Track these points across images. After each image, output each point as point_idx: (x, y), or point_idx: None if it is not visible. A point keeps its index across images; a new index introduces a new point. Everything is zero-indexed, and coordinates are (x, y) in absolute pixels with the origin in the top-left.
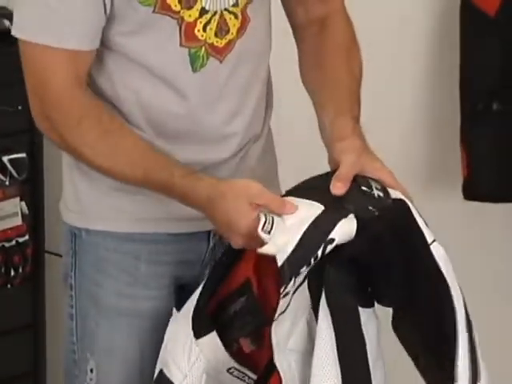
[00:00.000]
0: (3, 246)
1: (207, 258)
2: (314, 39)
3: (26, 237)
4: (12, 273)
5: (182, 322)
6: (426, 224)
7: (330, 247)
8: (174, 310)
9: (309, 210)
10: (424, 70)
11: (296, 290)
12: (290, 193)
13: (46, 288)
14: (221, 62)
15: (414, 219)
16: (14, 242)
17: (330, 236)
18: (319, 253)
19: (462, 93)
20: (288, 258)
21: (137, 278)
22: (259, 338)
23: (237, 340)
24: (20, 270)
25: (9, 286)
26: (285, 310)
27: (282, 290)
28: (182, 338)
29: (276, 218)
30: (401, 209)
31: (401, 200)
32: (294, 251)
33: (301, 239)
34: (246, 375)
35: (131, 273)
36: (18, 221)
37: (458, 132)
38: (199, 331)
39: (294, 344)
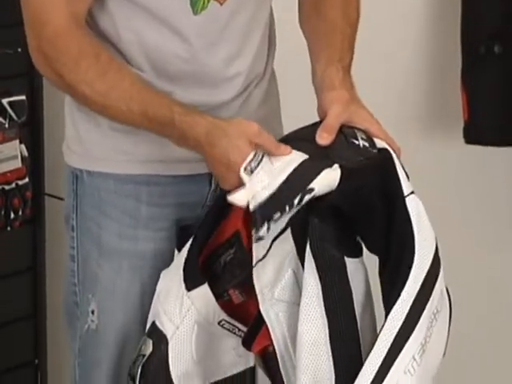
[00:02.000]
0: (3, 188)
1: (209, 201)
2: None
3: (26, 179)
4: (12, 215)
5: (173, 273)
6: (407, 176)
7: (308, 197)
8: (176, 251)
9: (294, 159)
10: (424, 14)
11: (276, 237)
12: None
13: (47, 231)
14: (221, 4)
15: (395, 170)
16: (13, 185)
17: (310, 185)
18: (296, 201)
19: (464, 36)
20: (261, 203)
21: (138, 220)
22: (248, 289)
23: (227, 291)
24: (20, 213)
25: (8, 228)
26: (263, 257)
27: (253, 233)
28: (174, 290)
29: (265, 158)
30: (384, 158)
31: (385, 150)
32: (269, 197)
33: (279, 186)
34: (236, 327)
35: (132, 215)
36: (17, 163)
37: (459, 76)
38: (190, 283)
39: (281, 294)
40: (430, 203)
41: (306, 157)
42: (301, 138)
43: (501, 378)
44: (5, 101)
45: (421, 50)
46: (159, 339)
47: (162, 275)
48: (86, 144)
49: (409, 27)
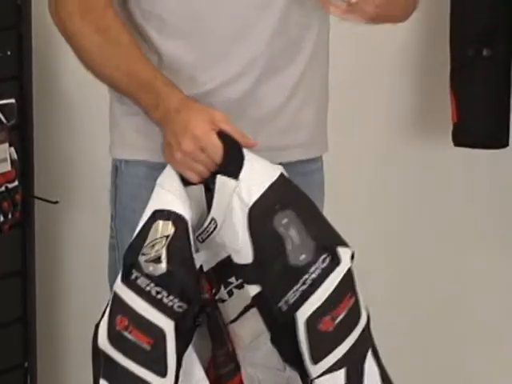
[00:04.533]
0: None
1: None
2: None
3: (16, 183)
4: (1, 218)
5: None
6: None
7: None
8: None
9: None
10: (413, 16)
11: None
12: None
13: (36, 234)
14: None
15: None
16: (3, 188)
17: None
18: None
19: (452, 39)
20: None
21: None
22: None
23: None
24: (9, 216)
25: None
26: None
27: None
28: None
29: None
30: None
31: None
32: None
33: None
34: None
35: None
36: (7, 166)
37: (447, 79)
38: None
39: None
40: (418, 204)
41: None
42: None
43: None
44: None
45: (409, 52)
46: (176, 218)
47: None
48: (123, 134)
49: (398, 30)
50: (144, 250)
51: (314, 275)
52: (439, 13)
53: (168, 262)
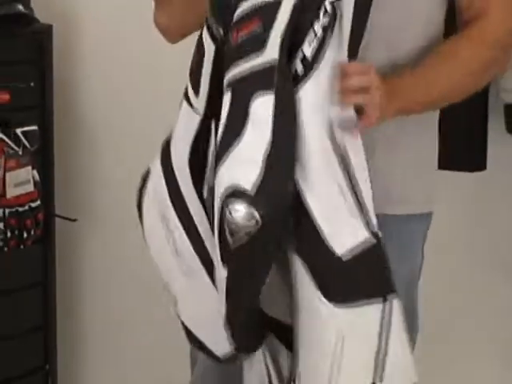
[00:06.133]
0: (17, 210)
1: None
2: None
3: (38, 202)
4: (25, 235)
5: None
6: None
7: None
8: None
9: None
10: None
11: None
12: None
13: (56, 249)
14: None
15: None
16: (26, 207)
17: None
18: None
19: None
20: None
21: None
22: None
23: None
24: (32, 233)
25: (22, 246)
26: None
27: None
28: None
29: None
30: None
31: None
32: None
33: None
34: None
35: None
36: (30, 187)
37: None
38: None
39: None
40: None
41: None
42: None
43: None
44: (19, 130)
45: None
46: None
47: None
48: None
49: None
50: None
51: None
52: None
53: None
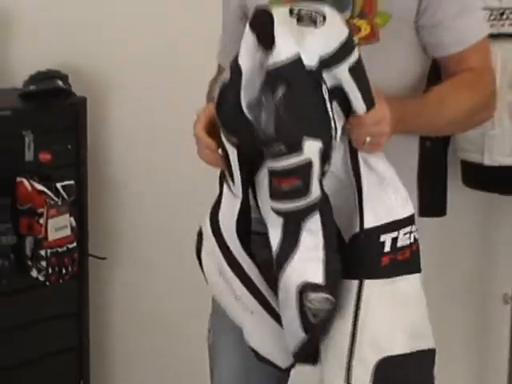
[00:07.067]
0: (57, 250)
1: None
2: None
3: (74, 244)
4: (63, 271)
5: None
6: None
7: None
8: None
9: None
10: None
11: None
12: None
13: (89, 283)
14: None
15: None
16: (64, 248)
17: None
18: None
19: None
20: None
21: None
22: None
23: None
24: (69, 269)
25: (60, 281)
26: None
27: None
28: None
29: None
30: None
31: None
32: None
33: None
34: None
35: None
36: (67, 232)
37: None
38: None
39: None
40: None
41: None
42: None
43: None
44: (58, 185)
45: None
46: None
47: None
48: None
49: None
50: None
51: None
52: None
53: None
